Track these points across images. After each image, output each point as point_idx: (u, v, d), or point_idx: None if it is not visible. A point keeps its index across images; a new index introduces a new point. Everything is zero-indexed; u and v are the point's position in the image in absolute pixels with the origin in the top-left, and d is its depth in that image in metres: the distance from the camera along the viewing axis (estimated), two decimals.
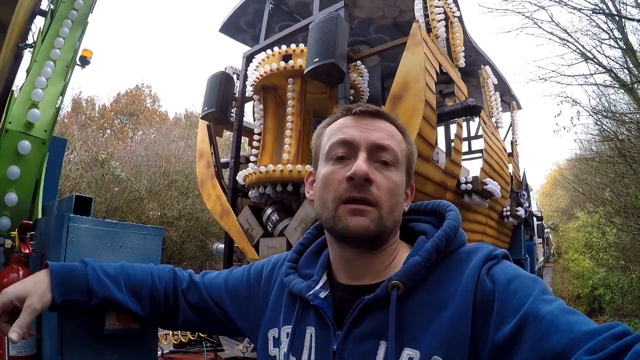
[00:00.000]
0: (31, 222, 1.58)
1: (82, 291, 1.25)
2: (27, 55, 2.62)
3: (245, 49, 6.94)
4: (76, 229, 1.43)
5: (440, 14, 5.34)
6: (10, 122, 1.89)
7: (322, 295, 1.11)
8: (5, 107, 2.07)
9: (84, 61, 2.72)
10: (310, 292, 1.11)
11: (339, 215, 1.04)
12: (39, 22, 2.59)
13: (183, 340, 3.94)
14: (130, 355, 1.45)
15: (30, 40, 2.59)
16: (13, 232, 1.55)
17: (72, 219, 1.43)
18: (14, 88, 2.59)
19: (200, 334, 3.94)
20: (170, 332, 4.16)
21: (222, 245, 6.58)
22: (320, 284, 1.14)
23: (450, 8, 5.89)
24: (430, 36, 5.06)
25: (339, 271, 1.16)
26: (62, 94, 2.18)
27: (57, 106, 2.10)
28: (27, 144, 1.88)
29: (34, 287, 1.19)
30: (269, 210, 5.28)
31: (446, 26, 5.51)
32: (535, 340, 0.82)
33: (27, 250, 1.51)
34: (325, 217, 1.09)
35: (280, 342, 1.17)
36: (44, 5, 2.65)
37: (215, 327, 1.47)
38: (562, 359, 0.77)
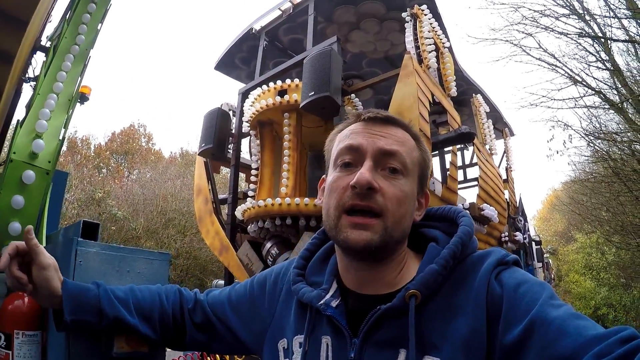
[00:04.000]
0: None
1: (93, 312, 1.24)
2: (25, 90, 2.67)
3: (240, 85, 7.03)
4: (84, 253, 1.44)
5: (430, 45, 5.45)
6: (14, 152, 1.92)
7: (334, 304, 1.08)
8: (10, 138, 2.10)
9: (83, 98, 2.77)
10: (322, 302, 1.08)
11: (340, 225, 1.03)
12: (38, 57, 2.66)
13: None
14: None
15: (29, 75, 2.65)
16: None
17: (80, 242, 1.44)
18: (14, 121, 2.63)
19: None
20: None
21: (222, 282, 6.58)
22: (331, 292, 1.12)
23: (440, 39, 6.01)
24: (421, 67, 5.15)
25: (347, 279, 1.14)
26: (65, 126, 2.22)
27: (60, 138, 2.14)
28: (32, 173, 1.90)
29: (50, 276, 1.20)
30: (268, 245, 5.28)
31: (437, 57, 5.62)
32: (543, 344, 0.82)
33: None
34: (328, 226, 1.08)
35: (292, 352, 1.13)
36: (44, 41, 2.73)
37: (221, 346, 1.44)
38: None
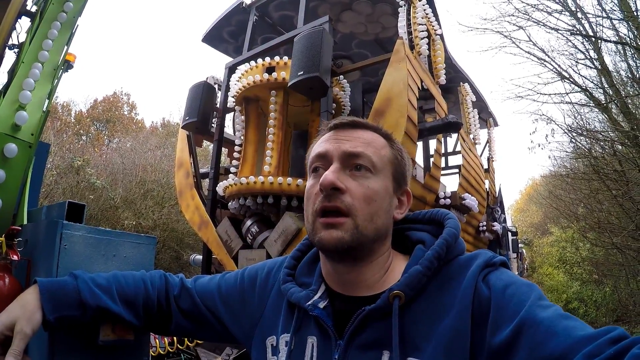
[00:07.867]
0: (19, 228, 1.54)
1: (75, 305, 1.21)
2: (8, 56, 2.57)
3: (226, 59, 6.93)
4: (70, 237, 1.39)
5: (423, 31, 5.42)
6: None
7: (321, 305, 1.09)
8: None
9: (68, 66, 2.68)
10: (309, 302, 1.09)
11: (315, 228, 1.06)
12: (23, 22, 2.55)
13: (161, 352, 3.88)
14: None
15: (12, 41, 2.54)
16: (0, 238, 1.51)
17: (65, 225, 1.39)
18: None
19: (179, 346, 3.89)
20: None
21: (199, 257, 6.53)
22: (319, 293, 1.13)
23: (433, 26, 5.99)
24: (413, 53, 5.13)
25: (333, 282, 1.15)
26: (50, 97, 2.14)
27: (44, 110, 2.06)
28: (14, 146, 1.81)
29: (20, 311, 1.13)
30: (248, 222, 5.26)
31: (428, 44, 5.59)
32: (532, 345, 0.83)
33: (15, 257, 1.47)
34: (308, 231, 1.10)
35: (278, 351, 1.14)
36: (29, 5, 2.62)
37: (208, 334, 1.43)
38: None
